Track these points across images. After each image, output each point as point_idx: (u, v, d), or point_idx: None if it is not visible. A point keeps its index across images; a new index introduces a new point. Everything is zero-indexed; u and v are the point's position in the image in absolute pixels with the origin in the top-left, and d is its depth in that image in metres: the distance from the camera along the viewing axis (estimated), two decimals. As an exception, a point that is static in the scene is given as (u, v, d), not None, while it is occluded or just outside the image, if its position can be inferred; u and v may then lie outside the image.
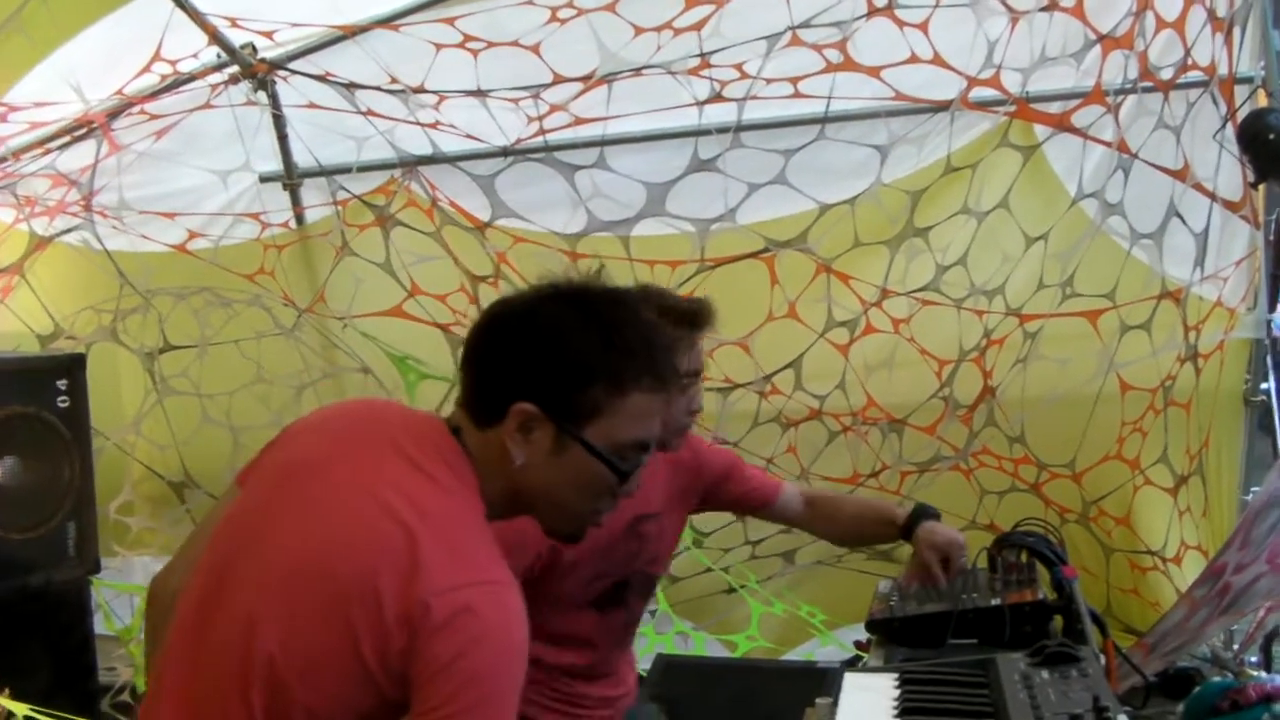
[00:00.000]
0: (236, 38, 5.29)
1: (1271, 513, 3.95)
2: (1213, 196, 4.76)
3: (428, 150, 5.54)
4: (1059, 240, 5.08)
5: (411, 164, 5.58)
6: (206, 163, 5.63)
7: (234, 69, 5.45)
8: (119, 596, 5.37)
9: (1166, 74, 4.70)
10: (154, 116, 5.38)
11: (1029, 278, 5.15)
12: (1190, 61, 4.61)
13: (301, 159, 5.85)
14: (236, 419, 5.75)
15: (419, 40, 5.13)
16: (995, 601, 2.97)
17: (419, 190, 5.61)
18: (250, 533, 2.05)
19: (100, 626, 5.08)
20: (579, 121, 5.26)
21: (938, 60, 4.85)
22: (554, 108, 5.22)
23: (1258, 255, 4.95)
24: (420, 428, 2.12)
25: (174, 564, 2.27)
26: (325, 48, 5.42)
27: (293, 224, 5.94)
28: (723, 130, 5.13)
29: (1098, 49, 4.73)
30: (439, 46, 5.13)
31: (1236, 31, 4.58)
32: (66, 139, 5.40)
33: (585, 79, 5.10)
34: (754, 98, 5.07)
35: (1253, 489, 5.05)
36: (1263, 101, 4.66)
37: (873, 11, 4.80)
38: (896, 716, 2.20)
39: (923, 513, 3.34)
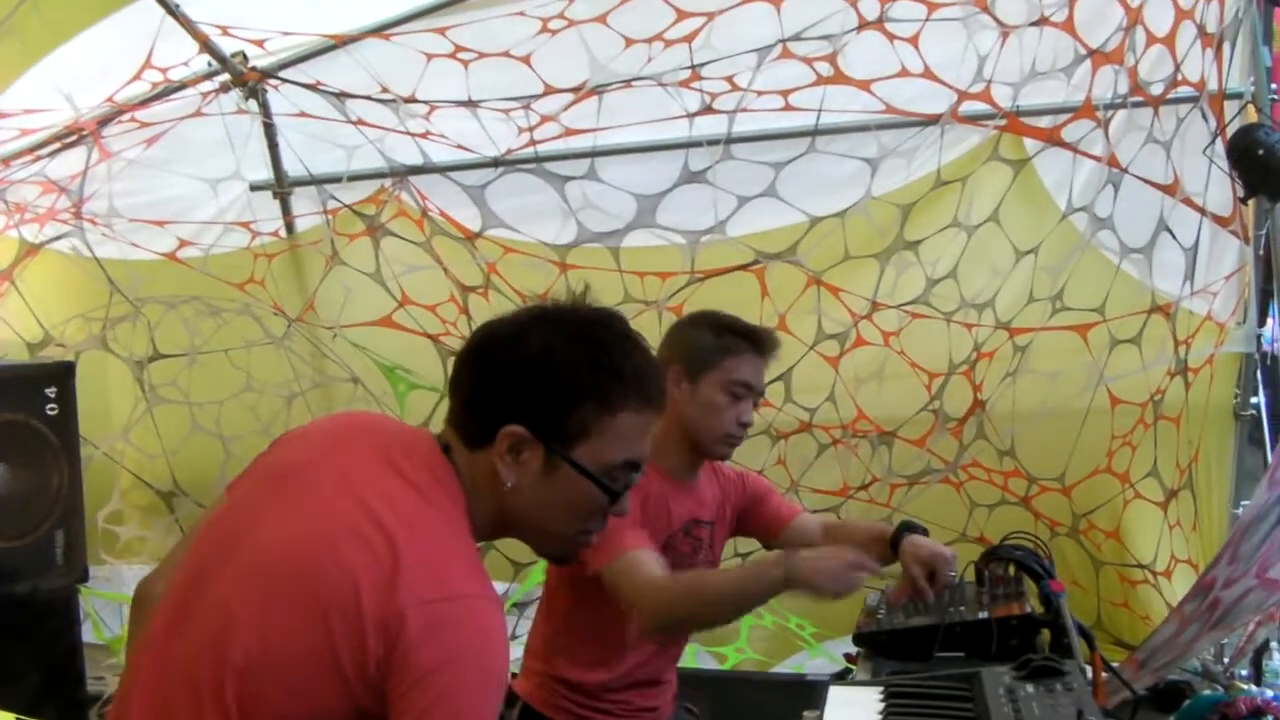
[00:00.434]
0: (227, 46, 5.27)
1: (1260, 527, 3.95)
2: (1202, 211, 4.76)
3: (418, 160, 5.54)
4: (1049, 254, 5.08)
5: (402, 174, 5.57)
6: (197, 171, 5.62)
7: (225, 77, 5.44)
8: (108, 605, 5.36)
9: (1157, 89, 4.70)
10: (144, 124, 5.37)
11: (1019, 291, 5.15)
12: (1180, 77, 4.62)
13: (292, 168, 5.83)
14: (226, 428, 5.74)
15: (410, 50, 5.12)
16: (982, 615, 2.97)
17: (409, 200, 5.60)
18: (232, 533, 2.05)
19: (89, 635, 5.07)
20: (569, 132, 5.26)
21: (928, 74, 4.85)
22: (545, 118, 5.22)
23: (1247, 270, 4.96)
24: (411, 441, 2.12)
25: (161, 568, 2.27)
26: (316, 56, 5.40)
27: (283, 233, 5.93)
28: (713, 142, 5.14)
29: (1088, 64, 4.72)
30: (430, 56, 5.12)
31: (1226, 47, 4.58)
32: (57, 146, 5.39)
33: (576, 90, 5.10)
34: (744, 110, 5.07)
35: (1243, 503, 5.05)
36: (1252, 117, 4.66)
37: (863, 25, 4.79)
38: (881, 730, 2.20)
39: (908, 527, 3.35)
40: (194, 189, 5.68)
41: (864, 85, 4.93)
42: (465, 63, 5.12)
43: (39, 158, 5.41)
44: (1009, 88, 4.86)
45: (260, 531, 2.01)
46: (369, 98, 5.31)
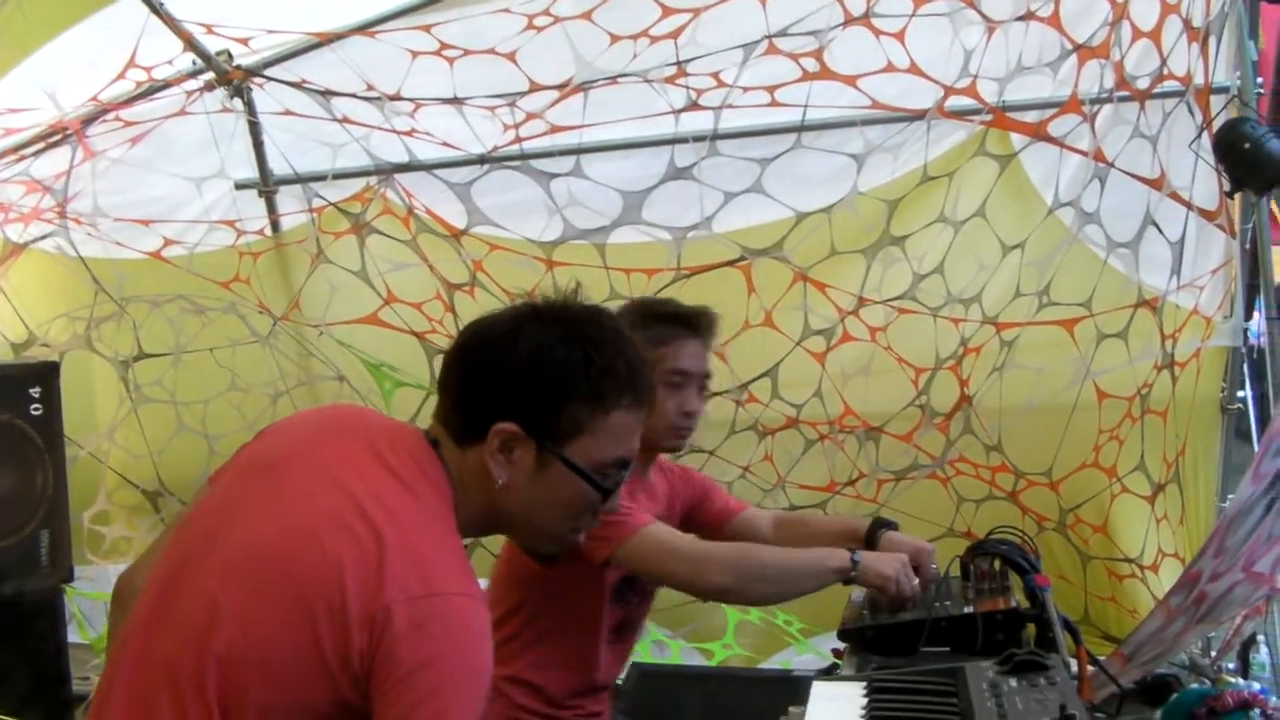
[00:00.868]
0: (212, 44, 5.27)
1: (1245, 520, 3.94)
2: (1189, 205, 4.76)
3: (404, 158, 5.53)
4: (1035, 249, 5.07)
5: (387, 171, 5.56)
6: (181, 170, 5.60)
7: (209, 76, 5.43)
8: (93, 606, 5.36)
9: (1143, 83, 4.70)
10: (129, 123, 5.36)
11: (1005, 286, 5.15)
12: (1166, 71, 4.61)
13: (277, 166, 5.82)
14: (211, 427, 5.73)
15: (395, 47, 5.12)
16: (968, 610, 2.97)
17: (395, 198, 5.59)
18: (215, 525, 2.04)
19: (74, 636, 5.07)
20: (555, 129, 5.25)
21: (914, 69, 4.84)
22: (530, 115, 5.21)
23: (1233, 264, 4.96)
24: (398, 434, 2.12)
25: (141, 562, 2.27)
26: (301, 54, 5.40)
27: (268, 231, 5.92)
28: (699, 138, 5.13)
29: (1074, 58, 4.72)
30: (415, 54, 5.12)
31: (1212, 41, 4.58)
32: (41, 145, 5.39)
33: (561, 87, 5.09)
34: (730, 106, 5.07)
35: (1230, 496, 5.05)
36: (1238, 111, 4.66)
37: (849, 20, 4.79)
38: (864, 725, 2.19)
39: (881, 524, 3.36)
40: (179, 188, 5.67)
41: (850, 81, 4.92)
42: (450, 60, 5.12)
43: (23, 157, 5.40)
44: (995, 83, 4.85)
45: (244, 523, 2.00)
46: (354, 95, 5.30)
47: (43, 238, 5.53)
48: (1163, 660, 4.61)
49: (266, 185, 5.87)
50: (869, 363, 5.34)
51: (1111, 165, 4.81)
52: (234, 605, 1.92)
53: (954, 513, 5.37)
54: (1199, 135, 4.55)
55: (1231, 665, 5.00)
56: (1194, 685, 4.68)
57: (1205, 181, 4.67)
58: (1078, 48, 4.69)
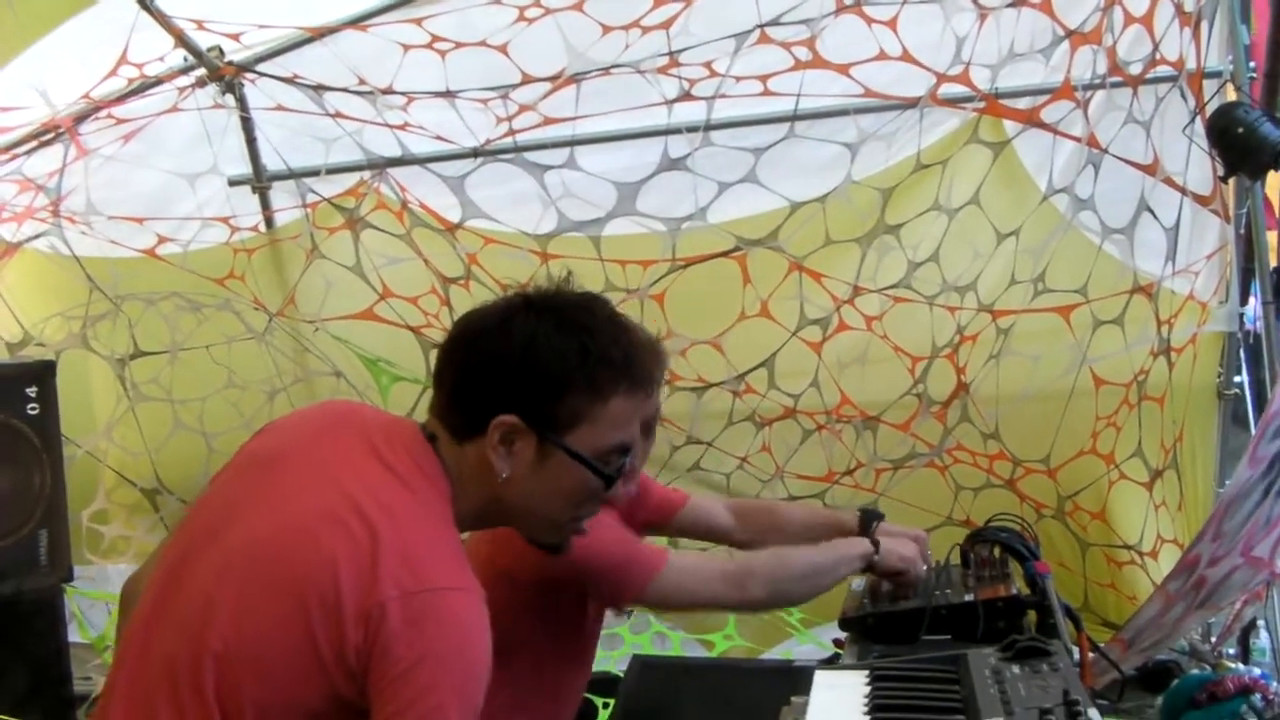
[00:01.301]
0: (203, 40, 5.25)
1: (1243, 504, 3.95)
2: (1183, 191, 4.76)
3: (397, 152, 5.51)
4: (1030, 236, 5.08)
5: (381, 166, 5.55)
6: (174, 166, 5.59)
7: (201, 72, 5.42)
8: (93, 605, 5.34)
9: (1135, 69, 4.69)
10: (121, 120, 5.35)
11: (1001, 274, 5.15)
12: (1159, 56, 4.61)
13: (270, 162, 5.81)
14: (209, 425, 5.72)
15: (387, 41, 5.10)
16: (968, 597, 2.96)
17: (388, 192, 5.58)
18: (214, 523, 2.04)
19: (74, 635, 5.05)
20: (548, 121, 5.24)
21: (906, 57, 4.84)
22: (523, 108, 5.20)
23: (1228, 249, 4.96)
24: (394, 429, 2.12)
25: (145, 566, 2.27)
26: (293, 50, 5.38)
27: (262, 227, 5.91)
28: (692, 129, 5.12)
29: (1066, 44, 4.72)
30: (407, 47, 5.10)
31: (1204, 26, 4.57)
32: (33, 144, 5.37)
33: (554, 79, 5.08)
34: (723, 96, 5.06)
35: (1227, 481, 5.06)
36: (1231, 95, 4.66)
37: (841, 9, 4.78)
38: (867, 714, 2.19)
39: (872, 516, 3.35)
40: (172, 185, 5.65)
41: (843, 69, 4.91)
42: (442, 53, 5.11)
43: (15, 156, 5.38)
44: (987, 70, 4.85)
45: (241, 521, 2.01)
46: (346, 90, 5.29)
47: (36, 237, 5.52)
48: (1163, 646, 4.62)
49: (260, 181, 5.86)
50: (865, 352, 5.35)
51: (1105, 151, 4.81)
52: (229, 603, 1.93)
53: (952, 501, 5.38)
54: (1192, 120, 4.54)
55: (1232, 651, 5.01)
56: (1194, 671, 4.70)
57: (1199, 167, 4.67)
58: (1070, 34, 4.69)
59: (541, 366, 2.05)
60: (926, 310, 5.22)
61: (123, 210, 5.55)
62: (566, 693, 3.08)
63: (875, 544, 3.08)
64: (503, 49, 5.03)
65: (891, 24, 4.76)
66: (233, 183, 5.84)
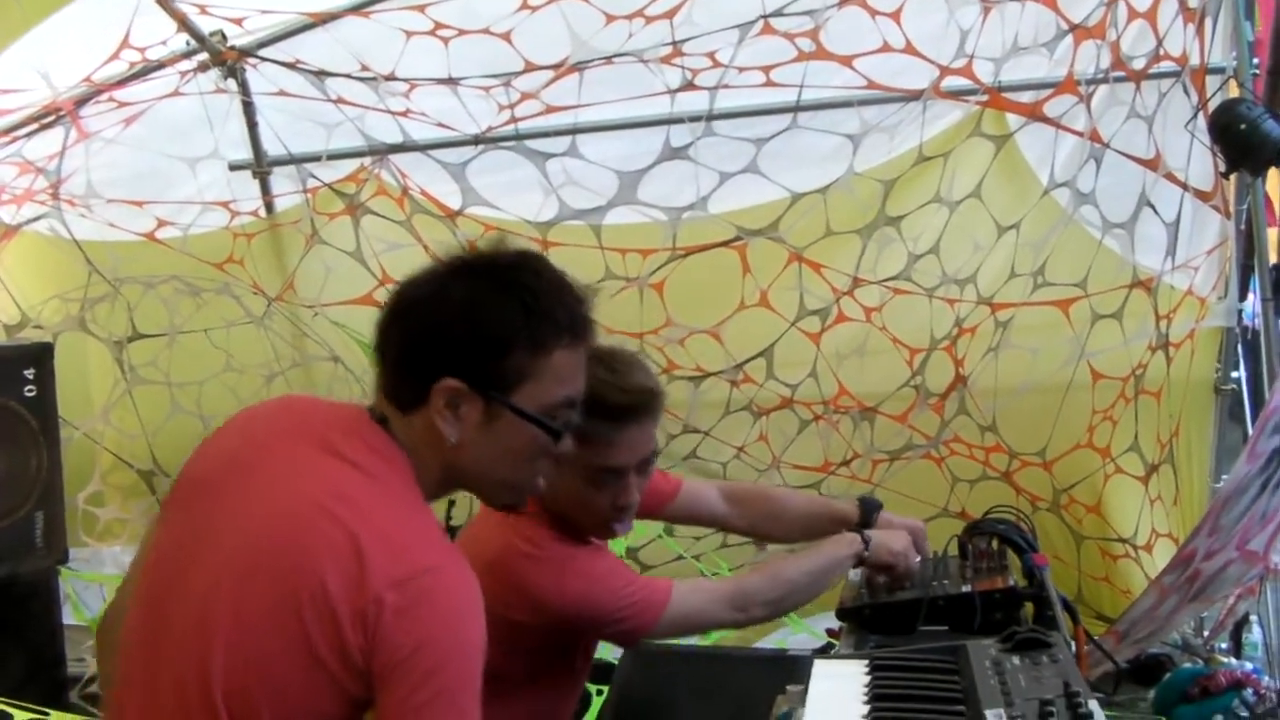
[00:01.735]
0: (205, 24, 5.25)
1: (1240, 499, 3.96)
2: (1184, 186, 4.77)
3: (398, 138, 5.51)
4: (1031, 229, 5.08)
5: (382, 152, 5.55)
6: (175, 151, 5.58)
7: (203, 56, 5.41)
8: (88, 587, 5.34)
9: (1138, 64, 4.70)
10: (122, 104, 5.34)
11: (1001, 267, 5.16)
12: (1162, 52, 4.62)
13: (271, 147, 5.81)
14: (206, 408, 5.72)
15: (390, 27, 5.10)
16: (966, 588, 2.97)
17: (389, 178, 5.58)
18: (187, 553, 2.02)
19: (69, 617, 5.06)
20: (550, 109, 5.24)
21: (910, 49, 4.83)
22: (525, 95, 5.20)
23: (1228, 245, 4.97)
24: (344, 420, 2.11)
25: (116, 602, 2.24)
26: (295, 35, 5.38)
27: (262, 212, 5.91)
28: (694, 118, 5.12)
29: (1070, 39, 4.72)
30: (410, 34, 5.10)
31: (1208, 22, 4.58)
32: (34, 126, 5.36)
33: (556, 67, 5.08)
34: (726, 86, 5.06)
35: (1223, 477, 5.06)
36: (1234, 92, 4.66)
37: (845, 0, 4.79)
38: (866, 703, 2.19)
39: (872, 506, 3.35)
40: (172, 169, 5.64)
41: (846, 61, 4.91)
42: (445, 40, 5.10)
43: (16, 139, 5.37)
44: (991, 63, 4.85)
45: (218, 548, 1.99)
46: (349, 76, 5.29)
47: (36, 219, 5.51)
48: (1156, 638, 4.63)
49: (261, 166, 5.86)
50: (864, 343, 5.35)
51: (1107, 146, 4.81)
52: (225, 627, 1.92)
53: (948, 493, 5.39)
54: (1195, 116, 4.55)
55: (1224, 645, 5.02)
56: (1187, 665, 4.71)
57: (1201, 162, 4.68)
58: (1074, 28, 4.69)
59: (483, 328, 2.03)
60: (926, 302, 5.23)
61: (123, 193, 5.54)
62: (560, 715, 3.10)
63: (866, 540, 3.08)
64: (506, 36, 5.03)
65: (895, 16, 4.76)
66: (233, 167, 5.83)
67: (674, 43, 4.95)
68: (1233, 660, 4.82)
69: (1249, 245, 4.93)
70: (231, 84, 5.54)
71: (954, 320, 5.22)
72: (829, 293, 5.29)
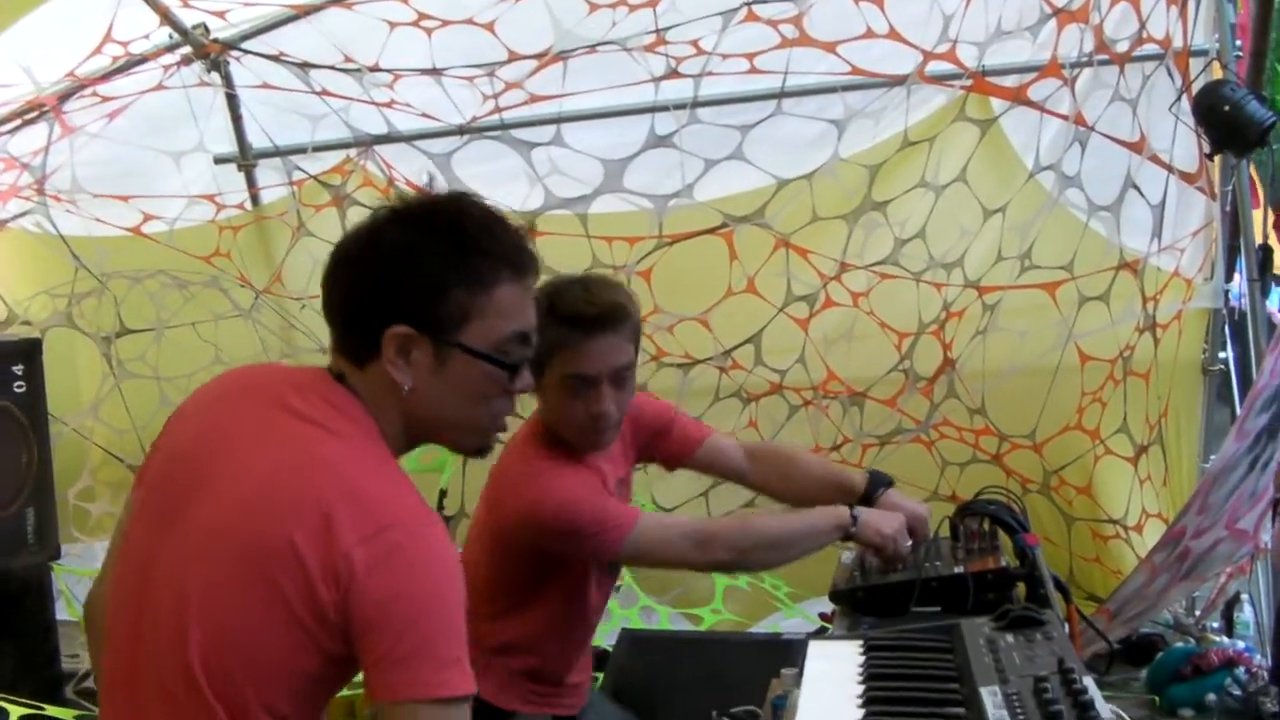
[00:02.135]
0: (188, 18, 5.25)
1: (1229, 477, 3.98)
2: (1169, 168, 4.79)
3: (383, 129, 5.50)
4: (1017, 213, 5.09)
5: (367, 143, 5.54)
6: (160, 144, 5.58)
7: (186, 50, 5.41)
8: (80, 582, 5.33)
9: (1122, 47, 4.71)
10: (106, 98, 5.33)
11: (987, 250, 5.17)
12: (1145, 34, 4.63)
13: (256, 140, 5.81)
14: (195, 402, 5.70)
15: (373, 18, 5.10)
16: (958, 570, 2.98)
17: (375, 169, 5.58)
18: (159, 535, 2.03)
19: (63, 613, 5.06)
20: (535, 99, 5.23)
21: (893, 34, 4.84)
22: (509, 85, 5.20)
23: (1214, 226, 4.99)
24: (304, 381, 2.11)
25: (95, 592, 2.25)
26: (278, 27, 5.37)
27: (248, 205, 5.90)
28: (679, 106, 5.12)
29: (1053, 22, 4.73)
30: (393, 24, 5.10)
31: (1191, 4, 4.60)
32: (17, 122, 5.35)
33: (540, 56, 5.08)
34: (710, 74, 5.06)
35: (1212, 457, 5.09)
36: (1217, 73, 4.68)
37: (827, -14, 4.80)
38: (861, 682, 2.20)
39: (880, 481, 3.36)
40: (158, 163, 5.64)
41: (829, 47, 4.91)
42: (429, 30, 5.10)
43: (0, 135, 5.36)
44: (975, 47, 4.86)
45: (185, 519, 2.00)
46: (332, 67, 5.28)
47: (21, 215, 5.50)
48: (1147, 617, 4.65)
49: (246, 159, 5.86)
50: (852, 328, 5.37)
51: (1092, 129, 4.82)
52: (199, 599, 1.92)
53: (939, 476, 5.40)
54: (1179, 98, 4.57)
55: (1216, 624, 5.04)
56: (1179, 645, 4.72)
57: (1185, 144, 4.69)
58: (1057, 11, 4.70)
59: (419, 270, 2.03)
60: (913, 287, 5.24)
61: (108, 188, 5.53)
62: (575, 631, 3.14)
63: (854, 518, 3.08)
64: (489, 26, 5.02)
65: (878, 2, 4.76)
66: (218, 160, 5.82)
67: (657, 30, 4.95)
68: (1225, 639, 4.84)
69: (1234, 226, 4.96)
70: (215, 77, 5.54)
71: (941, 304, 5.23)
72: (816, 278, 5.30)
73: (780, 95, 5.10)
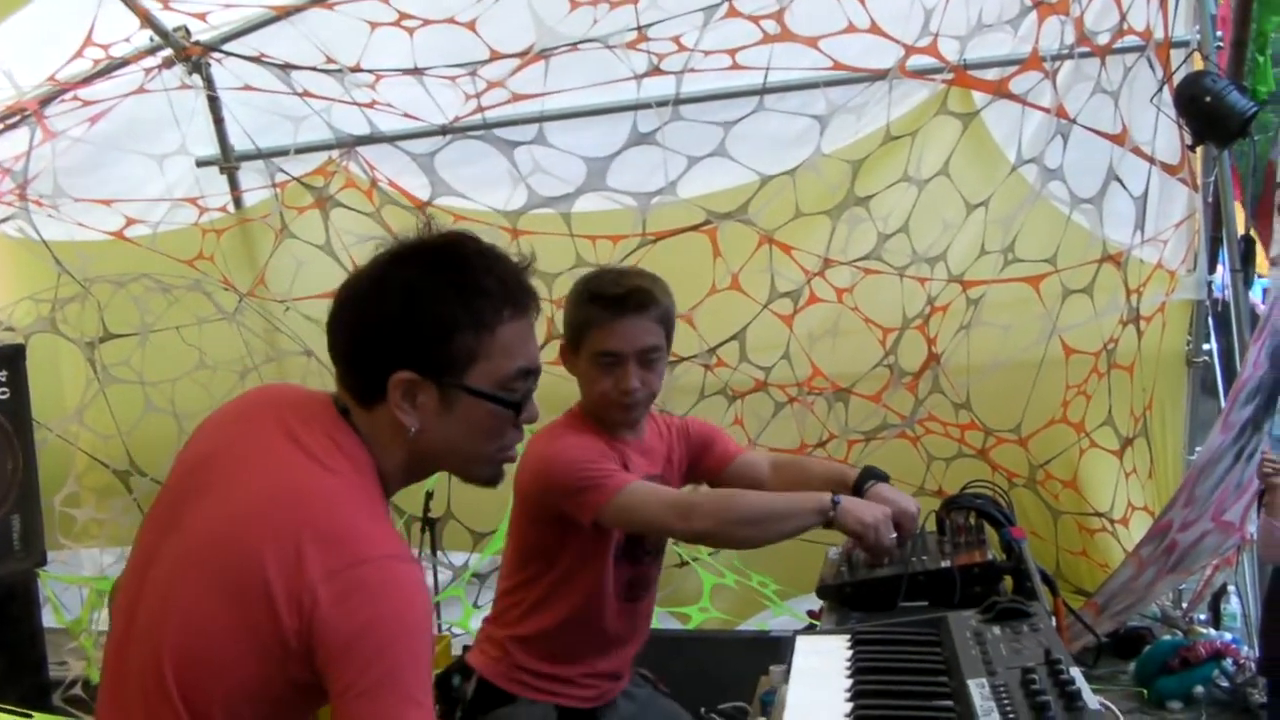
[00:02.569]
0: (169, 20, 5.24)
1: (1215, 470, 3.99)
2: (1151, 160, 4.80)
3: (365, 130, 5.50)
4: (1000, 206, 5.10)
5: (349, 144, 5.54)
6: (142, 148, 5.56)
7: (167, 52, 5.40)
8: (67, 589, 5.32)
9: (1103, 39, 4.72)
10: (88, 102, 5.32)
11: (970, 244, 5.18)
12: (1126, 26, 4.64)
13: (238, 142, 5.79)
14: (180, 406, 5.69)
15: (354, 19, 5.09)
16: (945, 564, 2.97)
17: (358, 171, 5.57)
18: (157, 537, 2.05)
19: (49, 619, 5.04)
20: (517, 98, 5.23)
21: (875, 29, 4.85)
22: (491, 84, 5.19)
23: (1197, 217, 5.00)
24: (310, 410, 2.11)
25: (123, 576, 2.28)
26: (259, 29, 5.36)
27: (231, 208, 5.89)
28: (661, 103, 5.12)
29: (1034, 15, 4.75)
30: (374, 25, 5.09)
31: (1171, -5, 4.61)
32: (-1, 127, 5.34)
33: (522, 55, 5.07)
34: (692, 70, 5.07)
35: (1197, 449, 5.10)
36: (1198, 65, 4.68)
37: (808, -19, 4.80)
38: (849, 676, 2.20)
39: (870, 474, 3.35)
40: (140, 167, 5.62)
41: (811, 42, 4.92)
42: (410, 30, 5.09)
43: (-20, 140, 5.35)
44: (956, 41, 4.87)
45: (182, 527, 2.02)
46: (314, 69, 5.27)
47: (4, 220, 5.48)
48: (1134, 610, 4.66)
49: (228, 161, 5.84)
50: (836, 324, 5.37)
51: (1073, 121, 4.83)
52: (179, 608, 1.94)
53: (925, 471, 5.41)
54: (1160, 90, 4.58)
55: (1203, 616, 5.05)
56: (1167, 637, 4.74)
57: (1167, 136, 4.71)
58: (1037, 4, 4.72)
59: (422, 314, 2.03)
60: (897, 282, 5.24)
61: (90, 193, 5.52)
62: (597, 589, 3.15)
63: (835, 502, 3.09)
64: (471, 25, 5.01)
65: (859, -4, 4.78)
66: (201, 163, 5.81)
67: (639, 28, 4.94)
68: (1212, 631, 4.85)
69: (1217, 218, 4.97)
70: (196, 79, 5.53)
71: (925, 299, 5.24)
72: (800, 274, 5.30)
73: (762, 91, 5.11)
